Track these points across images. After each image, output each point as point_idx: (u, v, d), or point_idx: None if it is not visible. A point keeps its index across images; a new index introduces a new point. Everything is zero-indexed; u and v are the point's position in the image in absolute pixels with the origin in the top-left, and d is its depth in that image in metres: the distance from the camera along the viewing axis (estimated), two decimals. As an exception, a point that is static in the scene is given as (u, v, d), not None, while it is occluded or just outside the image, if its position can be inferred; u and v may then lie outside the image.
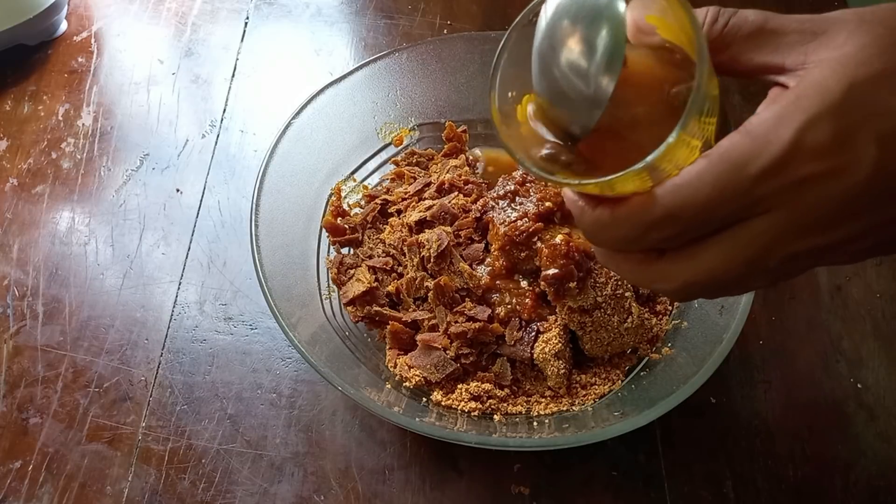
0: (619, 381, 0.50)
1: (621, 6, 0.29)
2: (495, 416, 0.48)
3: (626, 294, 0.49)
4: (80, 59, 0.72)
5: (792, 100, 0.28)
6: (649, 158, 0.27)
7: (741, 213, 0.28)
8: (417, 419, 0.44)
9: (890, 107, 0.27)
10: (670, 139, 0.27)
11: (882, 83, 0.27)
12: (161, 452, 0.50)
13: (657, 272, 0.31)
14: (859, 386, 0.53)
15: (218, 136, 0.67)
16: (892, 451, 0.51)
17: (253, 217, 0.50)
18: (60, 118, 0.68)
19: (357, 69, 0.59)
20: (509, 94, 0.34)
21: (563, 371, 0.48)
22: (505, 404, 0.49)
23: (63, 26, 0.74)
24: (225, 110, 0.69)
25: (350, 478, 0.49)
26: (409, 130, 0.62)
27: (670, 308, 0.53)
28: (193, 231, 0.61)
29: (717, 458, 0.50)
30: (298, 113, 0.56)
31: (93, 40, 0.74)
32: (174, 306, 0.57)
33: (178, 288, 0.58)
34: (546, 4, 0.30)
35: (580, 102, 0.30)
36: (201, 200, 0.63)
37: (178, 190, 0.63)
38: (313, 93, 0.57)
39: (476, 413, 0.48)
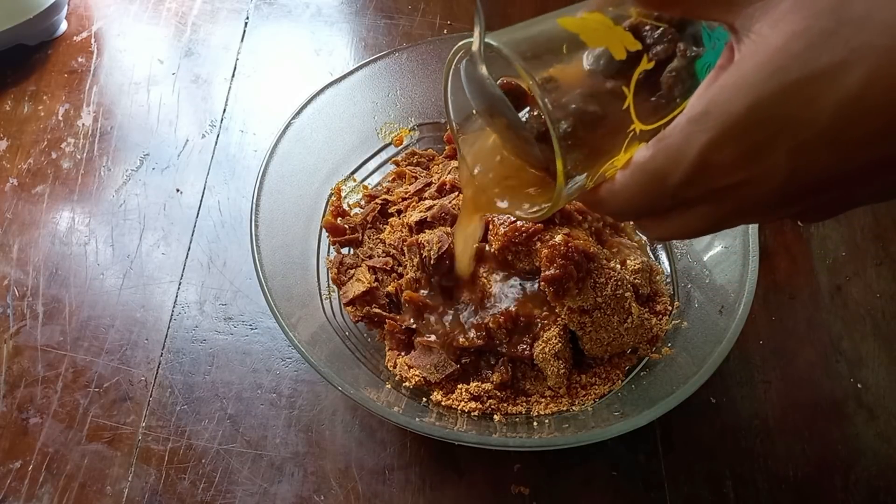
0: (619, 382, 0.50)
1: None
2: (495, 416, 0.48)
3: (626, 294, 0.49)
4: (80, 59, 0.72)
5: (700, 114, 0.28)
6: (545, 207, 0.32)
7: (679, 204, 0.30)
8: (417, 419, 0.44)
9: (801, 119, 0.27)
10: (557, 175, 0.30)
11: (793, 96, 0.26)
12: (161, 452, 0.50)
13: (638, 225, 0.34)
14: (859, 386, 0.53)
15: (218, 136, 0.67)
16: (892, 451, 0.51)
17: (253, 217, 0.50)
18: (60, 118, 0.68)
19: (357, 69, 0.59)
20: (475, 125, 0.36)
21: (562, 371, 0.48)
22: (505, 404, 0.49)
23: (63, 26, 0.74)
24: (225, 110, 0.69)
25: (350, 478, 0.49)
26: (409, 130, 0.62)
27: (670, 308, 0.53)
28: (193, 231, 0.61)
29: (717, 458, 0.50)
30: (298, 113, 0.56)
31: (93, 40, 0.74)
32: (174, 306, 0.57)
33: (178, 288, 0.58)
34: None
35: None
36: (201, 200, 0.63)
37: (178, 190, 0.63)
38: (313, 93, 0.57)
39: (476, 413, 0.48)
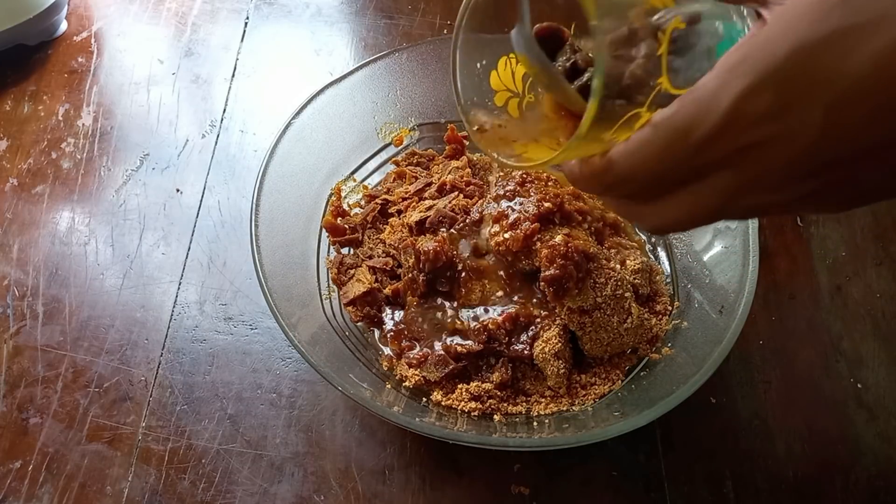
0: (619, 381, 0.50)
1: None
2: (495, 416, 0.48)
3: (626, 294, 0.49)
4: (80, 59, 0.72)
5: (737, 61, 0.27)
6: (571, 139, 0.29)
7: (693, 174, 0.29)
8: (417, 419, 0.44)
9: (838, 72, 0.26)
10: (587, 114, 0.28)
11: (832, 46, 0.26)
12: (161, 452, 0.50)
13: (633, 212, 0.32)
14: (859, 386, 0.53)
15: (218, 136, 0.67)
16: (892, 451, 0.51)
17: (253, 217, 0.50)
18: (60, 118, 0.68)
19: (357, 69, 0.59)
20: (478, 65, 0.36)
21: (562, 371, 0.48)
22: (505, 404, 0.49)
23: (63, 26, 0.74)
24: (225, 110, 0.69)
25: (350, 478, 0.49)
26: (409, 130, 0.62)
27: (670, 308, 0.53)
28: (193, 231, 0.61)
29: (717, 459, 0.50)
30: (298, 113, 0.56)
31: (93, 40, 0.74)
32: (174, 306, 0.57)
33: (178, 288, 0.58)
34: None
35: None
36: (201, 200, 0.63)
37: (178, 190, 0.63)
38: (313, 93, 0.57)
39: (476, 413, 0.48)
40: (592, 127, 0.29)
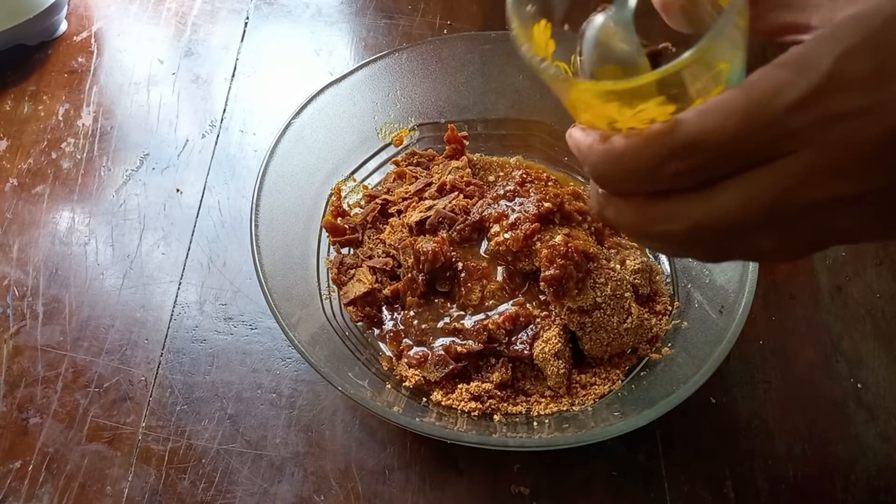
0: (619, 381, 0.50)
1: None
2: (495, 416, 0.48)
3: (626, 294, 0.49)
4: (80, 59, 0.72)
5: (828, 33, 0.25)
6: (692, 50, 0.25)
7: (768, 150, 0.26)
8: (417, 419, 0.44)
9: None
10: (710, 34, 0.25)
11: None
12: (161, 452, 0.50)
13: (663, 212, 0.28)
14: (859, 386, 0.53)
15: (218, 136, 0.67)
16: (892, 451, 0.51)
17: (253, 217, 0.50)
18: (60, 118, 0.68)
19: (357, 69, 0.59)
20: (528, 7, 0.33)
21: (562, 371, 0.48)
22: (505, 404, 0.49)
23: (63, 26, 0.74)
24: (225, 110, 0.69)
25: (350, 478, 0.49)
26: (409, 130, 0.62)
27: (670, 308, 0.53)
28: (193, 231, 0.61)
29: (717, 458, 0.50)
30: (298, 113, 0.56)
31: (93, 40, 0.74)
32: (174, 306, 0.57)
33: (178, 288, 0.58)
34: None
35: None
36: (201, 200, 0.63)
37: (178, 190, 0.63)
38: (313, 93, 0.57)
39: (476, 413, 0.48)
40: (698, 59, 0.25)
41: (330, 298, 0.54)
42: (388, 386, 0.49)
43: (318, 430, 0.51)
